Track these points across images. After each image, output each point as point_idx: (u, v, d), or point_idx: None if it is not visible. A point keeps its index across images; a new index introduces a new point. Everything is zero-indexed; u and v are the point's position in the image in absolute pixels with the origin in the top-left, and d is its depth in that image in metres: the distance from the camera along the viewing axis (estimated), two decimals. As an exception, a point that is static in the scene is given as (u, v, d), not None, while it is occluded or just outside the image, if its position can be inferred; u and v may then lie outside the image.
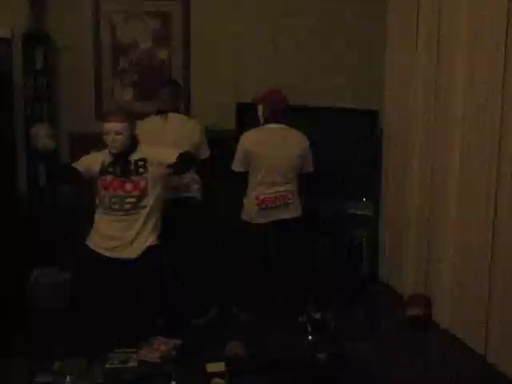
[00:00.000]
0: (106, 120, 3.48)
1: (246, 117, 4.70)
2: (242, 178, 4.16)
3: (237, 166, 4.17)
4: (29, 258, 4.66)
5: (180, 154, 3.47)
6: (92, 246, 3.56)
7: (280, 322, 3.90)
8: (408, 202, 4.70)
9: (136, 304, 3.53)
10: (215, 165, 4.23)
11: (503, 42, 3.45)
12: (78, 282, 3.62)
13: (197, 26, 5.23)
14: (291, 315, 3.76)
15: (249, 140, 4.14)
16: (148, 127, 4.02)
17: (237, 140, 4.22)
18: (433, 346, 3.93)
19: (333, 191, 4.92)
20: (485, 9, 3.64)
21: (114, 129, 3.43)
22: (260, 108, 4.17)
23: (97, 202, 3.58)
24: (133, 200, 3.49)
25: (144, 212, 3.52)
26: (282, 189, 4.11)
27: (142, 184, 3.49)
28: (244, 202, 4.20)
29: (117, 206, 3.48)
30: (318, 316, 3.53)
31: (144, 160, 3.50)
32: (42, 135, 3.39)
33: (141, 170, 3.49)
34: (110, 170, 3.50)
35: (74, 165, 3.56)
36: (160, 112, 4.17)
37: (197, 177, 4.15)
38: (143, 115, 4.18)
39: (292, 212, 4.16)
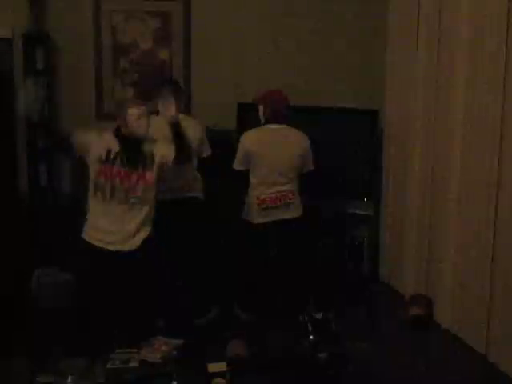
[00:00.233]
0: (129, 107, 3.48)
1: (247, 117, 4.70)
2: (243, 177, 4.16)
3: (237, 166, 4.18)
4: (30, 258, 4.66)
5: (176, 145, 3.46)
6: (87, 239, 3.53)
7: (281, 322, 3.90)
8: (409, 202, 4.70)
9: (137, 297, 3.53)
10: (216, 164, 4.23)
11: (504, 42, 3.46)
12: (80, 277, 3.62)
13: (197, 25, 5.23)
14: (292, 315, 3.75)
15: (249, 140, 4.14)
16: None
17: (238, 140, 4.22)
18: (434, 345, 3.93)
19: (334, 191, 4.93)
20: (485, 8, 3.64)
21: (138, 112, 3.45)
22: (261, 108, 4.17)
23: (92, 190, 3.50)
24: (138, 194, 3.48)
25: (147, 206, 3.52)
26: (283, 189, 4.11)
27: (148, 176, 3.49)
28: (245, 201, 4.21)
29: (122, 196, 3.46)
30: (318, 316, 3.53)
31: (151, 153, 3.51)
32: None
33: (148, 162, 3.50)
34: (118, 159, 3.47)
35: (74, 137, 3.51)
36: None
37: (199, 176, 4.16)
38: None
39: (293, 212, 4.16)
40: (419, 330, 4.14)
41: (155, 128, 3.71)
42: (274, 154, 4.08)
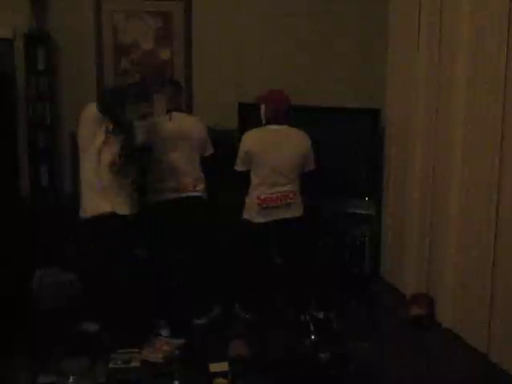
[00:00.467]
0: None
1: (248, 116, 4.70)
2: (244, 177, 4.17)
3: (239, 166, 4.18)
4: (32, 259, 4.65)
5: None
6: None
7: (282, 322, 3.90)
8: (410, 202, 4.70)
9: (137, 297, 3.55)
10: (217, 164, 4.23)
11: (505, 42, 3.45)
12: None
13: (198, 25, 5.24)
14: (293, 315, 3.76)
15: (250, 140, 4.14)
16: None
17: (239, 140, 4.22)
18: (435, 345, 3.93)
19: (335, 190, 4.92)
20: (486, 9, 3.63)
21: None
22: (262, 108, 4.17)
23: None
24: None
25: None
26: (284, 189, 4.11)
27: None
28: (246, 201, 4.21)
29: None
30: (320, 315, 3.53)
31: None
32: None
33: None
34: None
35: None
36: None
37: (203, 176, 4.16)
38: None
39: (294, 211, 4.15)
40: (420, 330, 4.14)
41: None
42: (275, 154, 4.08)
